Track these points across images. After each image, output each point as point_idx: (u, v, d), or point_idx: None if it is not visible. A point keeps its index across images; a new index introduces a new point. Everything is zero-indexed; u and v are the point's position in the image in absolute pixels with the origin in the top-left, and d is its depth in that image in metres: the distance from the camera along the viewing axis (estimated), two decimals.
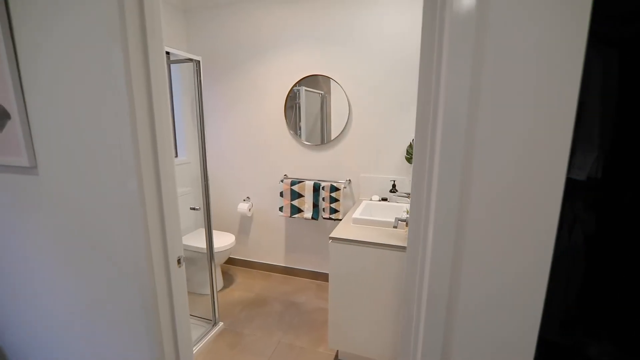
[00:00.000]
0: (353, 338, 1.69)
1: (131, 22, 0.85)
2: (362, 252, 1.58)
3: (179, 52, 1.78)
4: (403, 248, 1.50)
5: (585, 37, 0.50)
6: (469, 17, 0.55)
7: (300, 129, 2.49)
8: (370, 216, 1.94)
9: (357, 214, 1.89)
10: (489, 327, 0.65)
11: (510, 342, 0.64)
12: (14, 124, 1.02)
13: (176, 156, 2.71)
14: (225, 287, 2.60)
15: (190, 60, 1.78)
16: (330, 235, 1.65)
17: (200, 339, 1.92)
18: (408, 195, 1.99)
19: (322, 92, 2.39)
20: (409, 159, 2.18)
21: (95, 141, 0.95)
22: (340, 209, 2.35)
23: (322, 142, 2.44)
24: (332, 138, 2.40)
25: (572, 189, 1.41)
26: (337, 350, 1.85)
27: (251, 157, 2.68)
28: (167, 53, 2.43)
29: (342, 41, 2.24)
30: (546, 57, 0.53)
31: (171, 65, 2.59)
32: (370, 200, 2.27)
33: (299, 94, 2.44)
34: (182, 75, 2.62)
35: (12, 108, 1.01)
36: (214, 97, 2.68)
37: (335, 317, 1.70)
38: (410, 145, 2.16)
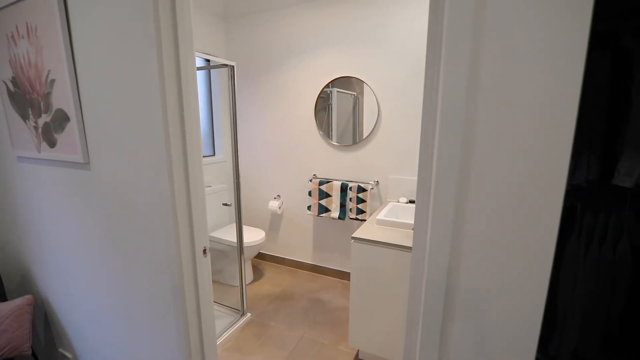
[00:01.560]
0: (373, 338, 1.69)
1: (165, 29, 0.94)
2: (381, 253, 1.58)
3: (216, 59, 1.91)
4: None
5: (587, 32, 0.47)
6: (465, 16, 0.55)
7: (331, 129, 2.52)
8: (395, 218, 1.91)
9: (381, 215, 1.88)
10: (487, 331, 0.64)
11: (509, 348, 0.62)
12: (72, 125, 1.19)
13: (213, 154, 2.90)
14: (255, 280, 2.73)
15: (225, 65, 1.90)
16: (353, 235, 1.66)
17: (229, 327, 2.04)
18: None
19: (355, 93, 2.40)
20: None
21: (134, 142, 1.08)
22: (367, 209, 2.35)
23: (354, 142, 2.45)
24: (363, 138, 2.41)
25: (618, 197, 1.28)
26: (358, 350, 1.86)
27: (282, 156, 2.77)
28: (208, 60, 2.61)
29: (372, 43, 2.24)
30: (546, 57, 0.51)
31: (211, 70, 2.78)
32: (397, 202, 2.24)
33: (331, 95, 2.48)
34: (220, 79, 2.79)
35: (71, 112, 1.18)
36: (248, 99, 2.82)
37: (356, 316, 1.71)
38: None
